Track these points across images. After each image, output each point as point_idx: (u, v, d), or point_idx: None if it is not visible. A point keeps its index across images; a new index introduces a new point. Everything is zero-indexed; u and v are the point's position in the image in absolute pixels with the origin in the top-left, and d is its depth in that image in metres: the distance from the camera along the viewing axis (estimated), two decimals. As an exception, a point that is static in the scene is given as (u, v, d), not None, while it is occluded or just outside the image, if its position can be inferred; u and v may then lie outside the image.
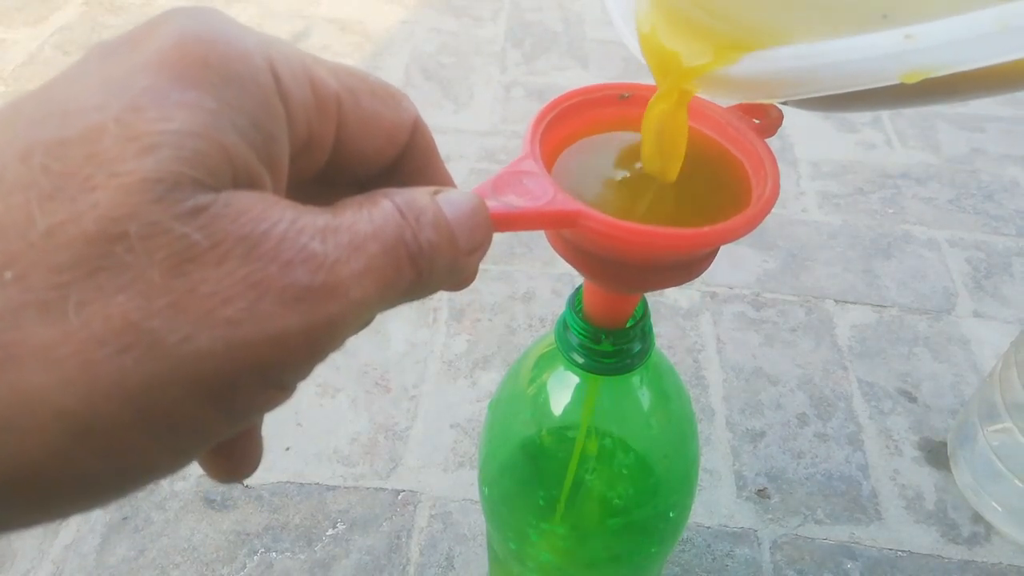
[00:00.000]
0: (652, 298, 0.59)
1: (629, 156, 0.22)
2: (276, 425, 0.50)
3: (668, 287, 0.21)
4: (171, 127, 0.12)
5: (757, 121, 0.22)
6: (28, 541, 0.44)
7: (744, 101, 0.20)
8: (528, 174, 0.18)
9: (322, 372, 0.53)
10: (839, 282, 0.61)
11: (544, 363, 0.29)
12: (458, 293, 0.58)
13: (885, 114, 0.79)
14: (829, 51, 0.17)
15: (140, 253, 0.11)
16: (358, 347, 0.55)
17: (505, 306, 0.58)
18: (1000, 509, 0.45)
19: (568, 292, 0.58)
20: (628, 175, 0.21)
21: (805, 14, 0.18)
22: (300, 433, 0.50)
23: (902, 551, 0.45)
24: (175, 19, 0.13)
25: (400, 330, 0.56)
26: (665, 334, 0.56)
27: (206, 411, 0.12)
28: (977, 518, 0.46)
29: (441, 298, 0.58)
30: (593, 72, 0.83)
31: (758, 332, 0.57)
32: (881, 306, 0.59)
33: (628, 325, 0.26)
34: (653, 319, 0.27)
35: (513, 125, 0.76)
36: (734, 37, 0.18)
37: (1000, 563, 0.44)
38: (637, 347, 0.26)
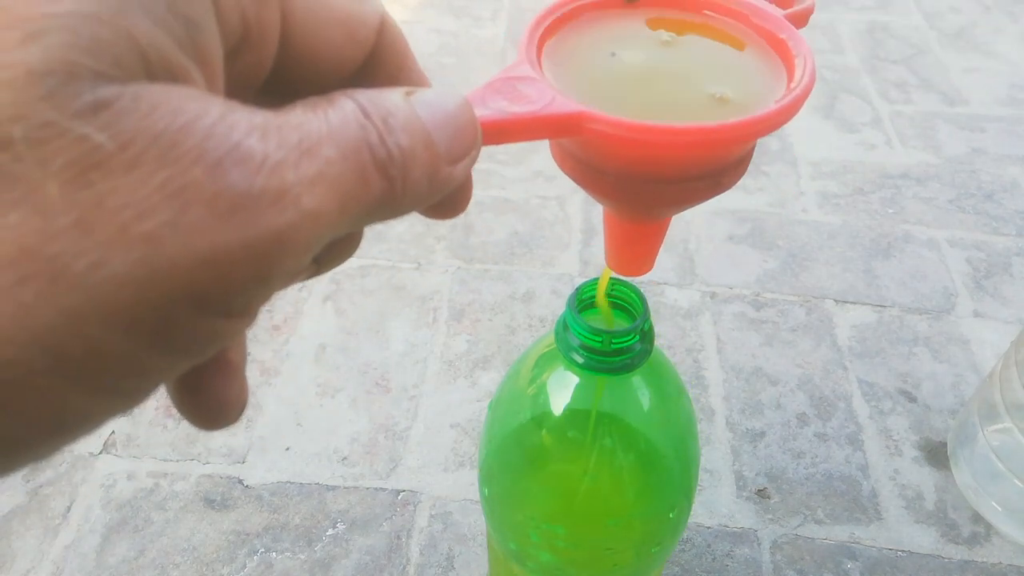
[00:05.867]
0: (652, 298, 0.59)
1: (641, 57, 0.19)
2: (276, 425, 0.50)
3: (693, 204, 0.18)
4: (61, 8, 0.10)
5: (784, 11, 0.20)
6: (28, 541, 0.44)
7: None
8: (523, 79, 0.16)
9: (322, 372, 0.53)
10: (839, 282, 0.61)
11: (544, 363, 0.29)
12: (458, 293, 0.58)
13: (885, 114, 0.79)
14: None
15: (31, 162, 0.09)
16: (358, 347, 0.55)
17: (505, 306, 0.58)
18: (1000, 509, 0.45)
19: (568, 292, 0.58)
20: (638, 74, 0.19)
21: None
22: (300, 433, 0.50)
23: (902, 551, 0.45)
24: None
25: (400, 330, 0.56)
26: (665, 334, 0.56)
27: (136, 348, 0.10)
28: (977, 518, 0.46)
29: (441, 298, 0.58)
30: (593, 72, 0.84)
31: (758, 332, 0.57)
32: (881, 306, 0.59)
33: (628, 325, 0.26)
34: (653, 319, 0.27)
35: (513, 125, 0.76)
36: None
37: (1000, 563, 0.44)
38: (637, 347, 0.26)
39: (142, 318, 0.10)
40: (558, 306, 0.58)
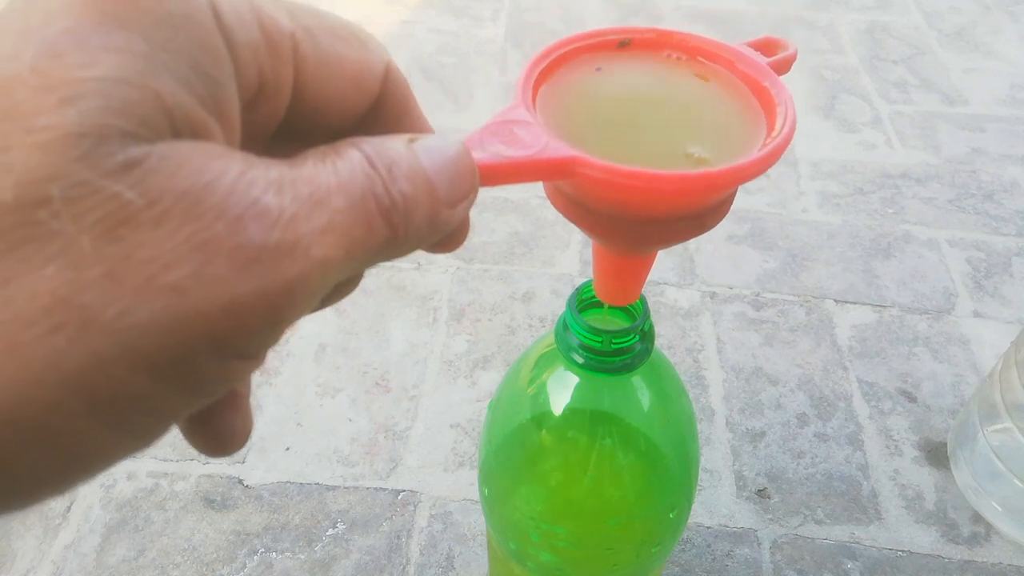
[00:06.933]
0: (652, 298, 0.59)
1: (630, 100, 0.20)
2: (276, 425, 0.50)
3: (678, 242, 0.19)
4: (95, 73, 0.10)
5: (767, 59, 0.20)
6: (28, 541, 0.44)
7: None
8: (519, 123, 0.17)
9: (322, 372, 0.53)
10: (839, 282, 0.61)
11: (544, 363, 0.29)
12: (458, 293, 0.58)
13: (885, 114, 0.79)
14: None
15: (67, 218, 0.10)
16: (358, 347, 0.55)
17: (505, 306, 0.58)
18: (1000, 509, 0.45)
19: (568, 292, 0.58)
20: (629, 119, 0.20)
21: None
22: (300, 433, 0.50)
23: (902, 551, 0.45)
24: None
25: (400, 330, 0.56)
26: (665, 334, 0.56)
27: (158, 389, 0.11)
28: (977, 518, 0.46)
29: (441, 298, 0.58)
30: (593, 72, 0.83)
31: (758, 332, 0.57)
32: (881, 306, 0.59)
33: (628, 325, 0.26)
34: (653, 319, 0.27)
35: (513, 125, 0.75)
36: None
37: (1000, 563, 0.44)
38: (637, 347, 0.26)
39: (165, 362, 0.11)
40: (558, 306, 0.58)
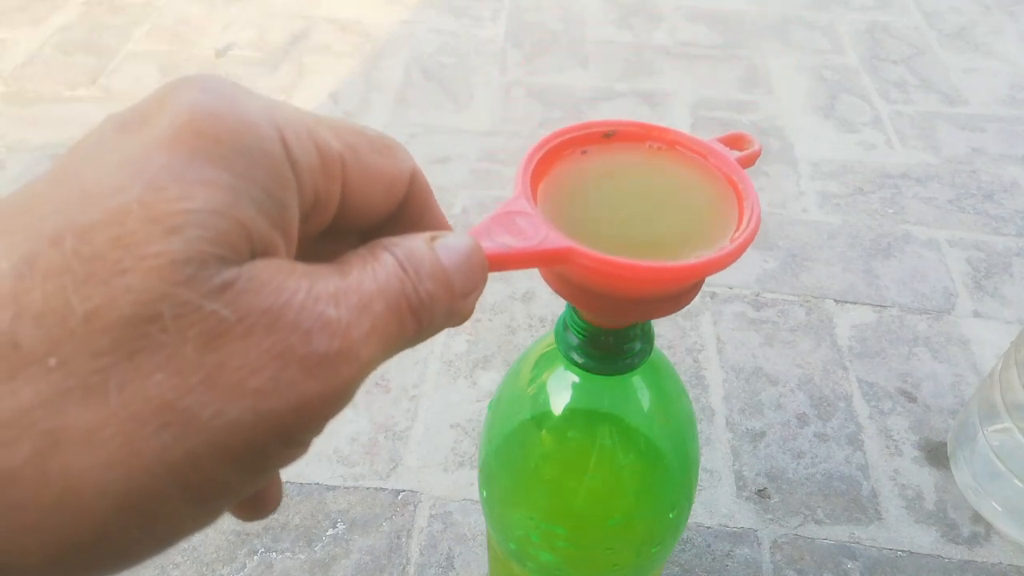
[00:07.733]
0: (652, 298, 0.59)
1: (616, 187, 0.23)
2: (276, 425, 0.50)
3: (657, 317, 0.22)
4: (192, 206, 0.12)
5: (738, 153, 0.23)
6: (28, 541, 0.44)
7: None
8: (520, 214, 0.19)
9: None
10: (839, 282, 0.61)
11: (544, 363, 0.29)
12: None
13: (885, 114, 0.79)
14: None
15: (174, 332, 0.12)
16: (358, 347, 0.55)
17: (505, 306, 0.58)
18: (1000, 509, 0.45)
19: (568, 292, 0.58)
20: (616, 206, 0.22)
21: None
22: (300, 433, 0.50)
23: (902, 551, 0.45)
24: (184, 92, 0.13)
25: (400, 330, 0.56)
26: (665, 334, 0.56)
27: (235, 475, 0.13)
28: (977, 518, 0.46)
29: (441, 298, 0.58)
30: (593, 72, 0.84)
31: (758, 332, 0.57)
32: (881, 306, 0.59)
33: (628, 325, 0.26)
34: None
35: (513, 125, 0.76)
36: None
37: (1000, 563, 0.44)
38: (637, 347, 0.26)
39: (245, 453, 0.12)
40: (558, 306, 0.58)
